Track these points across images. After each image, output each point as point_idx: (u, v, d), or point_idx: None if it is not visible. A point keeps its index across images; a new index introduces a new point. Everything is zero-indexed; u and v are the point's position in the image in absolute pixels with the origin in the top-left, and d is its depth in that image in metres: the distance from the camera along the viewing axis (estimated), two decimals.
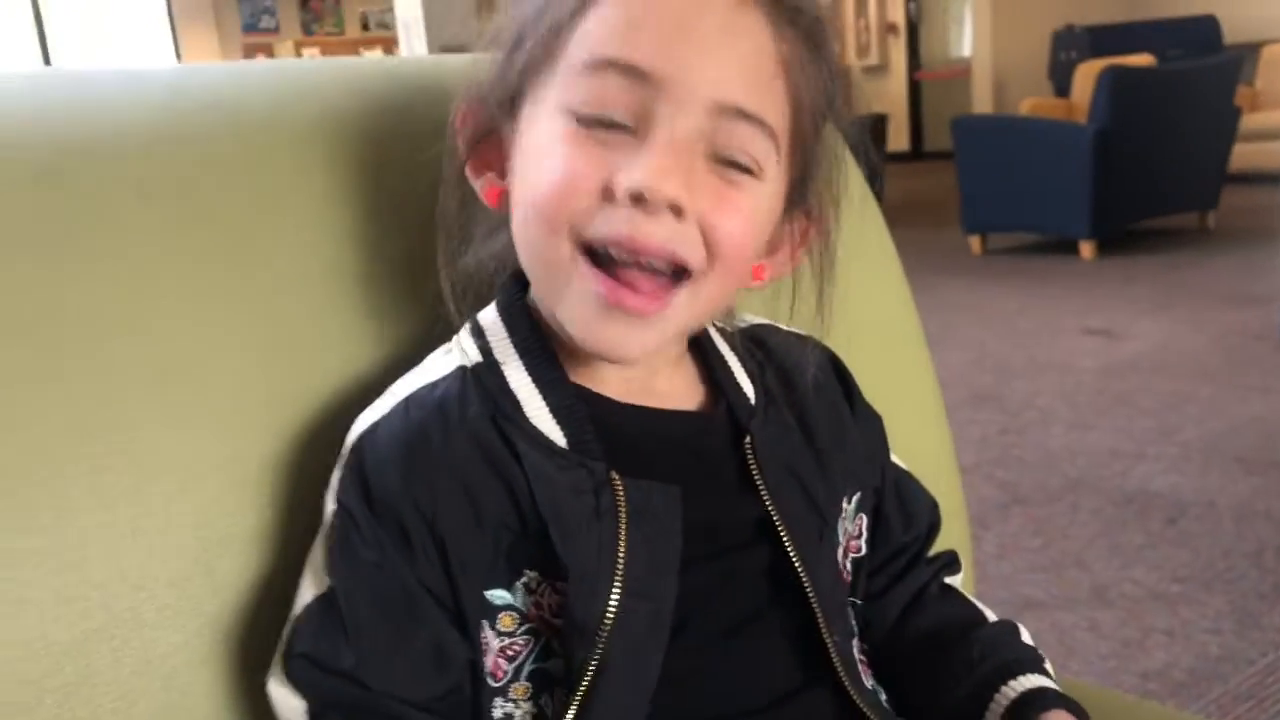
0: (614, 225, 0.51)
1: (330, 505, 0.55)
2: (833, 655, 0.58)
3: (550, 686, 0.55)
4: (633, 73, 0.51)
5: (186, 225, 0.60)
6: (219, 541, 0.57)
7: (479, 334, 0.58)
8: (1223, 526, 2.21)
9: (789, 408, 0.63)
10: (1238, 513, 2.26)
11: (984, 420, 2.94)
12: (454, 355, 0.58)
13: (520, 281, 0.59)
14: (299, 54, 11.14)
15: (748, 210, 0.54)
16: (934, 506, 0.70)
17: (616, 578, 0.52)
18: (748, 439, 0.59)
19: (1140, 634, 1.83)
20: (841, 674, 0.58)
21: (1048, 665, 0.63)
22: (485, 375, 0.56)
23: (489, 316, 0.59)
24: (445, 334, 0.60)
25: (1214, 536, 2.16)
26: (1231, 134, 5.48)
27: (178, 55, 10.38)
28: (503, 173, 0.58)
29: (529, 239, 0.55)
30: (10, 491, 0.52)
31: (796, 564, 0.58)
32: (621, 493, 0.54)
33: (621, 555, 0.53)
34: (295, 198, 0.63)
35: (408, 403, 0.56)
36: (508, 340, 0.57)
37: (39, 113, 0.61)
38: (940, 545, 0.90)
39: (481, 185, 0.59)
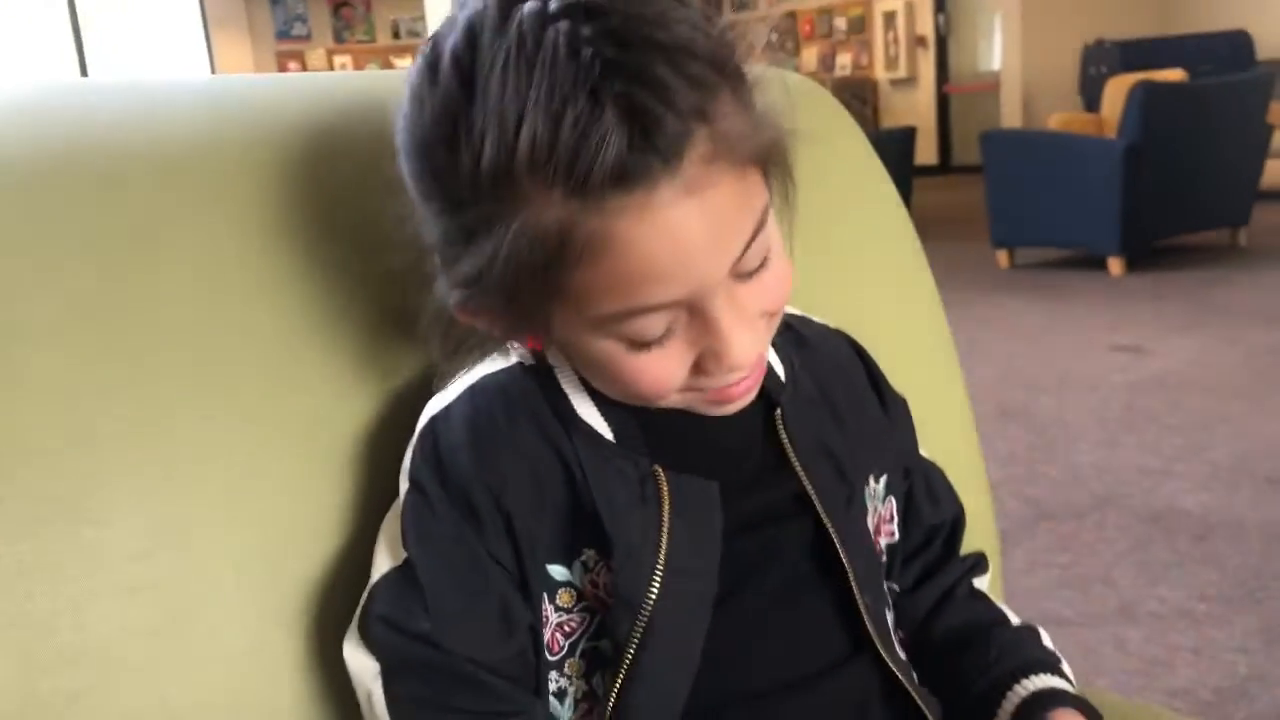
0: (719, 383, 0.55)
1: (404, 484, 0.58)
2: (865, 619, 0.61)
3: (602, 665, 0.58)
4: (662, 307, 0.51)
5: (242, 228, 0.62)
6: (282, 536, 0.60)
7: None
8: (1251, 545, 2.20)
9: (816, 387, 0.65)
10: (1267, 532, 2.25)
11: (1011, 436, 2.94)
12: (512, 354, 0.61)
13: None
14: (330, 62, 11.25)
15: (781, 273, 0.55)
16: (959, 501, 0.73)
17: (660, 556, 0.56)
18: (778, 412, 0.62)
19: (1167, 652, 1.83)
20: (875, 639, 0.61)
21: (1065, 668, 0.65)
22: (541, 373, 0.60)
23: None
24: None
25: (1242, 556, 2.16)
26: (1263, 150, 5.45)
27: (212, 63, 10.50)
28: (532, 330, 0.57)
29: (629, 400, 0.57)
30: (84, 488, 0.55)
31: (831, 530, 0.61)
32: (665, 485, 0.57)
33: (665, 537, 0.56)
34: (352, 196, 0.65)
35: (473, 390, 0.59)
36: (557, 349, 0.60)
37: (93, 123, 0.63)
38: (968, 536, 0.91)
39: (515, 339, 0.59)
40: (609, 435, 0.58)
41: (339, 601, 0.60)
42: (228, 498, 0.59)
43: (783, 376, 0.64)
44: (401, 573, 0.57)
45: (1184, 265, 5.14)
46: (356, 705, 0.59)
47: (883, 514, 0.68)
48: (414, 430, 0.59)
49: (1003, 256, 5.42)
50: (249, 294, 0.62)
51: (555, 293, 0.50)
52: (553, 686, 0.58)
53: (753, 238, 0.51)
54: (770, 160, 0.53)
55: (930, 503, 0.71)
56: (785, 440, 0.62)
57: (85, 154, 0.61)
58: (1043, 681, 0.63)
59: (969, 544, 0.79)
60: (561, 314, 0.52)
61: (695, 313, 0.52)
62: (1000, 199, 5.26)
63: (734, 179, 0.50)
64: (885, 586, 0.67)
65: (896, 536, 0.69)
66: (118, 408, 0.57)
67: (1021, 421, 3.04)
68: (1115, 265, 5.01)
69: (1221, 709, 1.67)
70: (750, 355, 0.54)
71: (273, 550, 0.59)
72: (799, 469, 0.61)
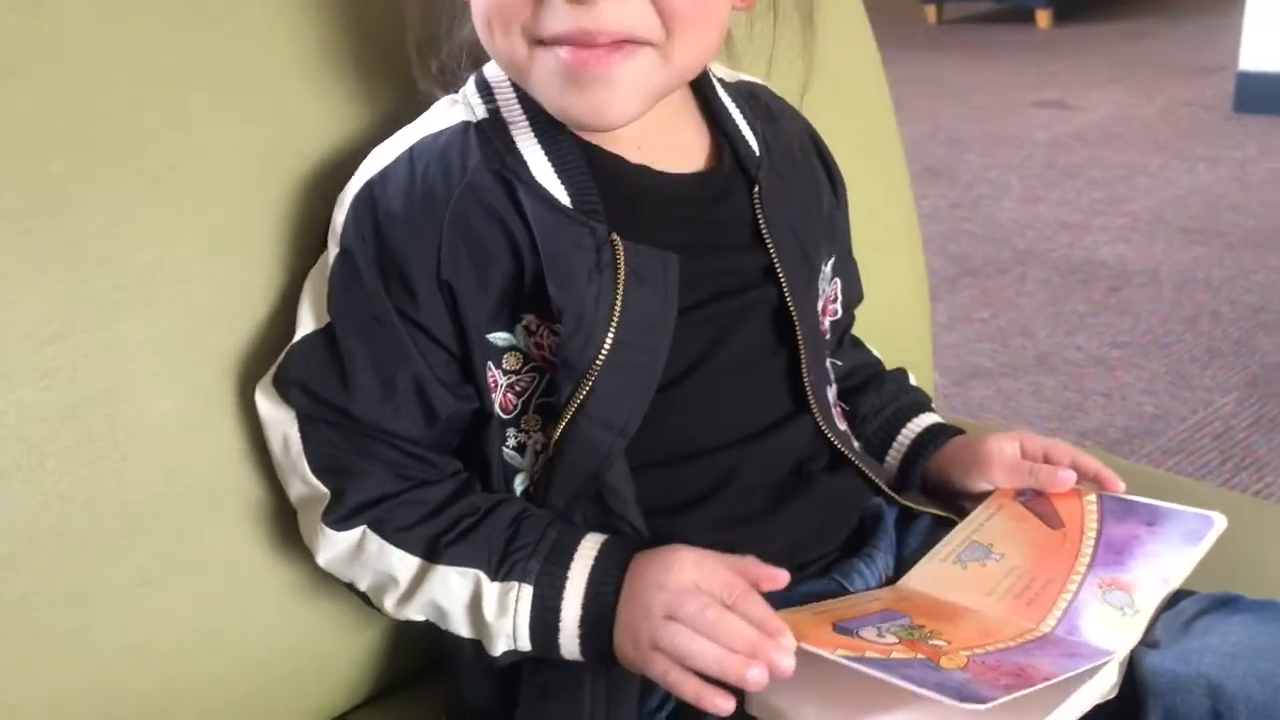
0: (558, 23, 0.52)
1: (333, 249, 0.56)
2: (808, 392, 0.63)
3: (556, 418, 0.57)
4: None
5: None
6: (204, 310, 0.58)
7: (486, 91, 0.58)
8: (1163, 294, 2.28)
9: (787, 163, 0.65)
10: (1178, 280, 2.33)
11: (935, 194, 2.96)
12: (459, 107, 0.58)
13: None
14: None
15: None
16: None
17: (612, 327, 0.55)
18: (756, 189, 0.61)
19: (1080, 397, 1.92)
20: (815, 409, 0.63)
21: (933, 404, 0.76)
22: (491, 132, 0.57)
23: (495, 73, 0.59)
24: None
25: (1155, 304, 2.24)
26: None
27: None
28: None
29: (489, 41, 0.55)
30: None
31: (791, 307, 0.61)
32: (621, 253, 0.55)
33: (618, 308, 0.55)
34: None
35: (412, 152, 0.56)
36: (513, 97, 0.58)
37: None
38: (903, 313, 0.95)
39: None
40: (565, 199, 0.56)
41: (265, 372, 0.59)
42: (144, 273, 0.56)
43: (756, 150, 0.63)
44: (321, 336, 0.56)
45: (1109, 17, 5.07)
46: None
47: (828, 294, 0.69)
48: (341, 185, 0.57)
49: (931, 11, 5.29)
50: (147, 30, 0.57)
51: None
52: (511, 442, 0.58)
53: None
54: None
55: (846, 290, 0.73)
56: (760, 216, 0.61)
57: None
58: (927, 419, 0.73)
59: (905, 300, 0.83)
60: None
61: None
62: None
63: None
64: (828, 363, 0.69)
65: (839, 314, 0.71)
66: (3, 188, 0.53)
67: (946, 180, 3.05)
68: (1043, 18, 4.93)
69: (1129, 445, 1.77)
70: None
71: (198, 325, 0.57)
72: (771, 245, 0.61)
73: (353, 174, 0.58)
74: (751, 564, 0.54)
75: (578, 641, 0.54)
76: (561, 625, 0.54)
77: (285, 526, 0.60)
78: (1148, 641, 0.54)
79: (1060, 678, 0.48)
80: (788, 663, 0.49)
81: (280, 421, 0.57)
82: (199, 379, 0.58)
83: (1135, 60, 4.26)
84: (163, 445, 0.57)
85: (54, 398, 0.54)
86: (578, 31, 0.52)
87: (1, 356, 0.52)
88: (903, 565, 0.63)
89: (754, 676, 0.49)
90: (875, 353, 0.79)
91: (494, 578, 0.55)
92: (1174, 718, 0.51)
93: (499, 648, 0.55)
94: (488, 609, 0.54)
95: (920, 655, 0.49)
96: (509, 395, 0.57)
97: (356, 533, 0.56)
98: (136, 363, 0.56)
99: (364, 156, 0.58)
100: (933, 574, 0.59)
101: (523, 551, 0.55)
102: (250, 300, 0.59)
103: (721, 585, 0.52)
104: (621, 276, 0.55)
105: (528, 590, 0.54)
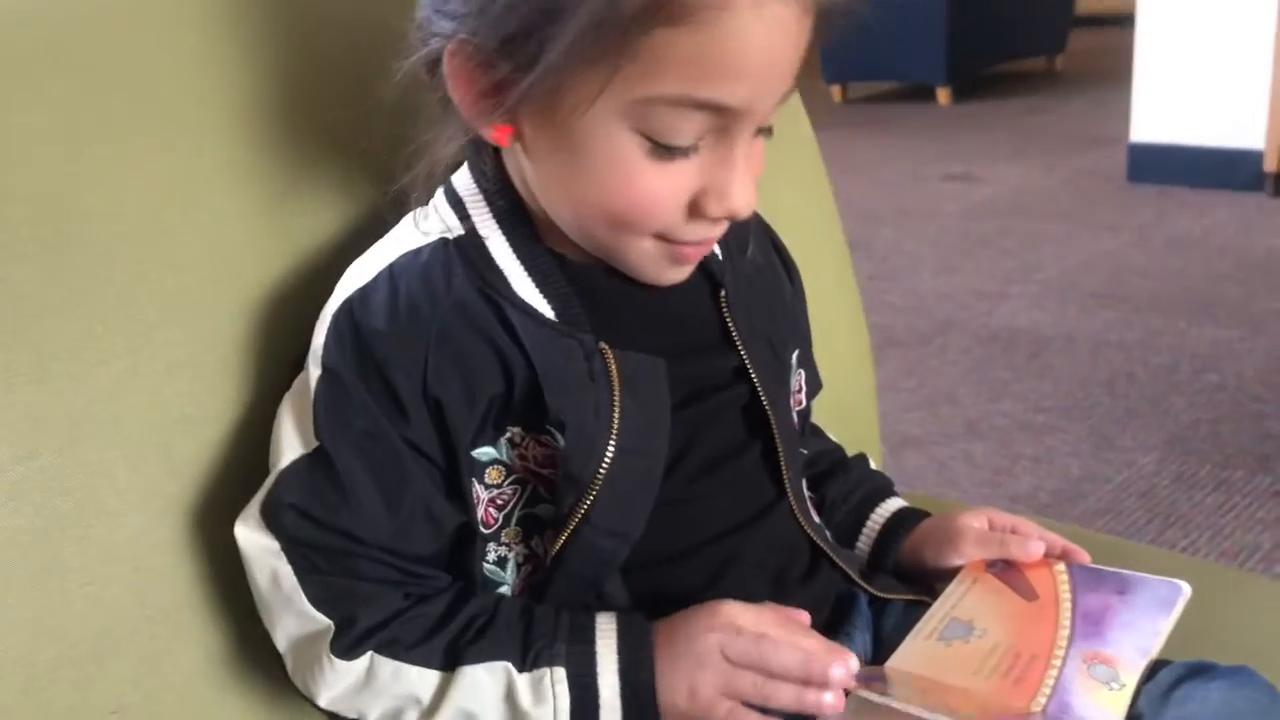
0: (699, 233, 0.55)
1: (315, 370, 0.55)
2: (787, 484, 0.64)
3: (540, 529, 0.57)
4: (722, 111, 0.50)
5: (108, 90, 0.57)
6: (175, 423, 0.56)
7: (457, 203, 0.58)
8: (1080, 357, 2.35)
9: (748, 264, 0.66)
10: (1093, 344, 2.42)
11: (855, 267, 3.03)
12: (433, 222, 0.57)
13: (492, 149, 0.57)
14: None
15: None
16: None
17: (613, 436, 0.55)
18: (723, 293, 0.62)
19: (1009, 461, 1.96)
20: (792, 500, 0.64)
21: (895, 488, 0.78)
22: (469, 248, 0.56)
23: (465, 185, 0.58)
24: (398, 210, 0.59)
25: (1073, 367, 2.31)
26: None
27: None
28: (504, 112, 0.52)
29: (592, 229, 0.55)
30: None
31: (766, 405, 0.62)
32: (613, 362, 0.56)
33: (616, 416, 0.55)
34: (223, 57, 0.61)
35: (392, 270, 0.56)
36: (487, 213, 0.57)
37: None
38: (852, 391, 0.97)
39: (479, 113, 0.53)
40: (549, 313, 0.56)
41: (242, 483, 0.58)
42: (114, 386, 0.55)
43: (719, 253, 0.64)
44: (314, 460, 0.54)
45: (1006, 93, 5.30)
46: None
47: (792, 386, 0.70)
48: (316, 303, 0.56)
49: (836, 91, 5.47)
50: (119, 171, 0.56)
51: (623, 53, 0.47)
52: (491, 556, 0.57)
53: (793, 87, 0.52)
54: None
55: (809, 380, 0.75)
56: (729, 319, 0.62)
57: None
58: (894, 504, 0.75)
59: (858, 391, 0.86)
60: (598, 87, 0.49)
61: (723, 139, 0.52)
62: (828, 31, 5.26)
63: (811, 20, 0.50)
64: (800, 452, 0.70)
65: (804, 404, 0.72)
66: None
67: (863, 253, 3.13)
68: (943, 95, 5.14)
69: (1059, 508, 1.81)
70: (749, 205, 0.54)
71: (168, 437, 0.56)
72: (741, 347, 0.62)
73: (321, 279, 0.58)
74: (773, 608, 0.56)
75: (619, 712, 0.54)
76: (602, 700, 0.53)
77: (257, 649, 0.59)
78: (1132, 715, 0.55)
79: None
80: (852, 666, 0.52)
81: (267, 555, 0.55)
82: (169, 493, 0.56)
83: (1034, 133, 4.45)
84: (133, 564, 0.55)
85: (22, 521, 0.52)
86: (709, 239, 0.56)
87: None
88: (881, 645, 0.64)
89: (838, 676, 0.52)
90: (834, 439, 0.81)
91: (523, 668, 0.54)
92: None
93: None
94: (524, 699, 0.53)
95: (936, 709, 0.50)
96: (490, 510, 0.57)
97: (364, 661, 0.54)
98: (106, 479, 0.54)
99: (332, 262, 0.58)
100: (918, 652, 0.60)
101: (544, 639, 0.54)
102: (220, 409, 0.58)
103: (764, 621, 0.54)
104: (616, 384, 0.55)
105: (560, 672, 0.53)
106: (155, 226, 0.57)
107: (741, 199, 0.53)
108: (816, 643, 0.54)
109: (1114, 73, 4.61)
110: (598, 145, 0.51)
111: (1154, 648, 0.58)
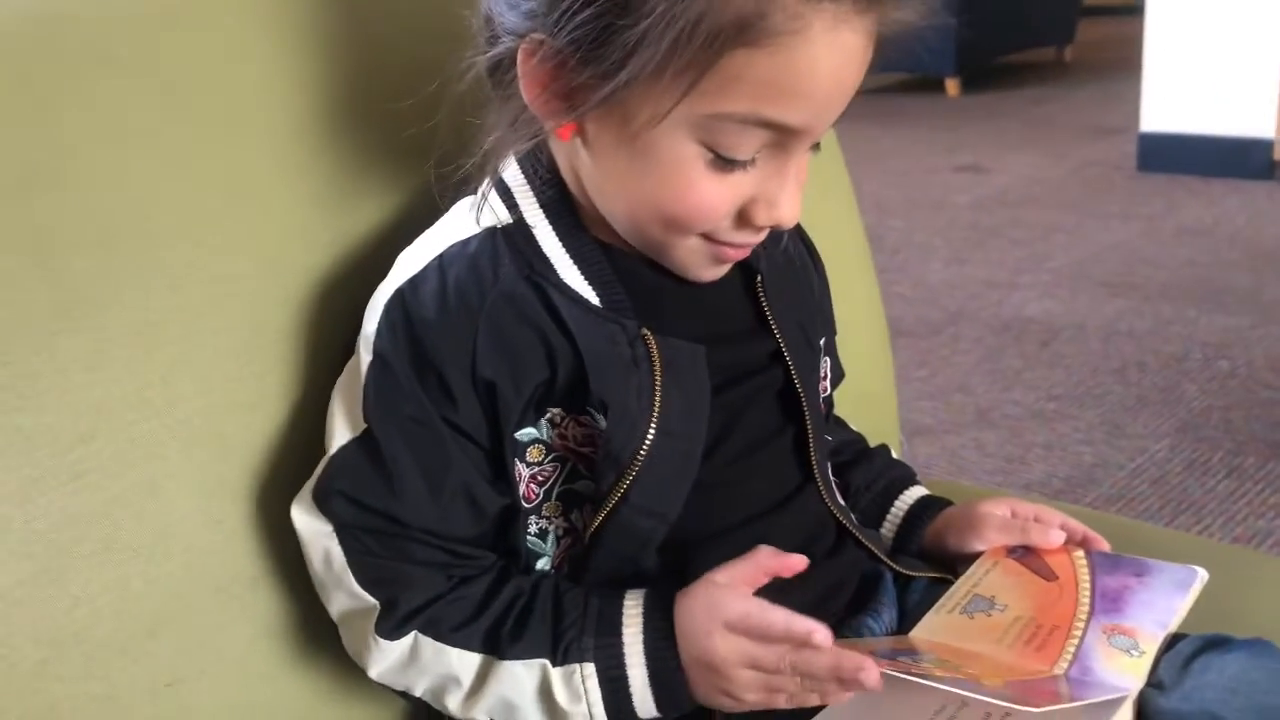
0: (744, 238, 0.57)
1: (366, 355, 0.57)
2: (815, 467, 0.66)
3: (580, 503, 0.59)
4: (785, 129, 0.52)
5: (156, 88, 0.59)
6: (226, 407, 0.58)
7: (506, 193, 0.60)
8: (1091, 346, 2.37)
9: (780, 253, 0.68)
10: (1104, 333, 2.43)
11: None
12: (482, 211, 0.59)
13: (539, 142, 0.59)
14: None
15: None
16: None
17: (654, 419, 0.57)
18: (759, 278, 0.64)
19: (1021, 450, 1.98)
20: (820, 483, 0.66)
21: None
22: (517, 236, 0.58)
23: (514, 177, 0.60)
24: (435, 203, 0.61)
25: (1084, 356, 2.32)
26: None
27: None
28: (571, 104, 0.54)
29: (643, 226, 0.57)
30: (8, 379, 0.52)
31: (800, 390, 0.64)
32: (655, 347, 0.57)
33: (658, 400, 0.57)
34: (267, 51, 0.62)
35: (442, 260, 0.57)
36: (535, 202, 0.59)
37: None
38: (872, 382, 0.99)
39: (547, 110, 0.54)
40: (594, 299, 0.58)
41: (290, 466, 0.60)
42: (167, 372, 0.57)
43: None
44: (361, 445, 0.57)
45: (1015, 84, 5.30)
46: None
47: (819, 373, 0.72)
48: (365, 292, 0.58)
49: None
50: (167, 160, 0.58)
51: (701, 69, 0.49)
52: (532, 529, 0.60)
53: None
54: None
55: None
56: (766, 306, 0.64)
57: None
58: (917, 492, 0.76)
59: (878, 381, 0.90)
60: (674, 98, 0.50)
61: (779, 154, 0.53)
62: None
63: (873, 46, 0.52)
64: (826, 437, 0.72)
65: (828, 391, 0.74)
66: (32, 291, 0.53)
67: (874, 245, 3.10)
68: (952, 86, 5.14)
69: (1071, 495, 1.82)
70: (795, 217, 0.56)
71: (219, 421, 0.58)
72: (778, 332, 0.64)
73: (369, 268, 0.60)
74: (768, 555, 0.57)
75: (652, 701, 0.55)
76: (633, 691, 0.55)
77: (311, 624, 0.61)
78: (1151, 683, 0.57)
79: (1094, 700, 0.51)
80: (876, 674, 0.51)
81: (320, 536, 0.57)
82: (220, 475, 0.58)
83: (1043, 124, 4.45)
84: (186, 544, 0.57)
85: (82, 501, 0.54)
86: (752, 243, 0.58)
87: (32, 461, 0.52)
88: (906, 619, 0.66)
89: (870, 679, 0.50)
90: (855, 430, 0.82)
91: (556, 663, 0.56)
92: None
93: None
94: (559, 695, 0.55)
95: (961, 677, 0.52)
96: (531, 486, 0.59)
97: (409, 639, 0.57)
98: (160, 461, 0.56)
99: (379, 252, 0.60)
100: (942, 624, 0.62)
101: (573, 630, 0.56)
102: (270, 394, 0.60)
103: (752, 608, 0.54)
104: (658, 369, 0.57)
105: (590, 668, 0.55)
106: (203, 218, 0.59)
107: (789, 211, 0.56)
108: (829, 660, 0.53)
109: (1123, 63, 4.61)
110: (662, 153, 0.53)
111: (1172, 624, 0.60)
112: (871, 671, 0.50)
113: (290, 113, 0.63)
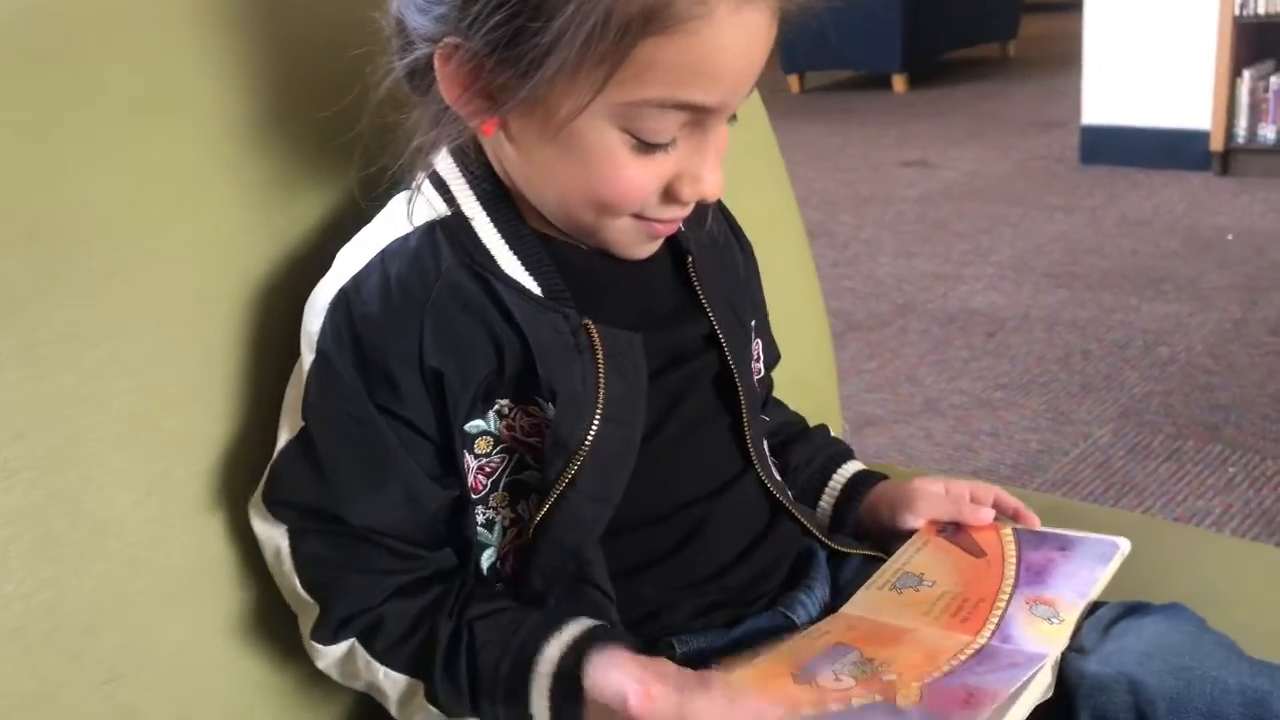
0: (672, 213, 0.58)
1: (309, 354, 0.57)
2: (750, 448, 0.67)
3: (527, 494, 0.60)
4: (700, 109, 0.54)
5: (87, 88, 0.59)
6: (162, 403, 0.59)
7: (441, 186, 0.60)
8: (1035, 336, 2.41)
9: (707, 234, 0.69)
10: (1048, 322, 2.47)
11: (816, 254, 3.03)
12: (420, 206, 0.59)
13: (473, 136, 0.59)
14: None
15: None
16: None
17: (599, 406, 0.58)
18: (690, 260, 0.66)
19: (969, 438, 2.01)
20: (756, 463, 0.68)
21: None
22: (456, 229, 0.59)
23: (449, 170, 0.60)
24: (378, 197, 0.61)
25: (1029, 345, 2.37)
26: None
27: None
28: (493, 102, 0.54)
29: (574, 212, 0.58)
30: None
31: (734, 370, 0.66)
32: (596, 337, 0.59)
33: (602, 387, 0.58)
34: (198, 50, 0.63)
35: (384, 256, 0.58)
36: (471, 194, 0.60)
37: None
38: (813, 369, 1.00)
39: (468, 111, 0.55)
40: (535, 289, 0.59)
41: (231, 461, 0.60)
42: (100, 368, 0.57)
43: (682, 225, 0.66)
44: (299, 444, 0.57)
45: (960, 80, 5.38)
46: (257, 569, 0.60)
47: (751, 354, 0.73)
48: (302, 288, 0.58)
49: (794, 82, 5.52)
50: (91, 162, 0.58)
51: (615, 61, 0.50)
52: (480, 519, 0.60)
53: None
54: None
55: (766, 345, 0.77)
56: (698, 286, 0.66)
57: None
58: (853, 467, 0.78)
59: (819, 368, 0.90)
60: (592, 92, 0.51)
61: (697, 131, 0.55)
62: (788, 26, 5.31)
63: (777, 21, 0.54)
64: (761, 417, 0.73)
65: (763, 373, 0.76)
66: None
67: (825, 240, 3.18)
68: (899, 83, 5.20)
69: (1019, 481, 1.86)
70: (719, 189, 0.57)
71: (156, 417, 0.58)
72: (711, 313, 0.66)
73: (307, 266, 0.60)
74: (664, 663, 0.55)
75: None
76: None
77: (253, 619, 0.61)
78: (1073, 648, 0.59)
79: (1006, 694, 0.52)
80: None
81: (272, 537, 0.59)
82: (158, 470, 0.58)
83: (988, 118, 4.52)
84: (125, 540, 0.57)
85: (16, 499, 0.54)
86: (680, 218, 0.59)
87: None
88: (839, 595, 0.68)
89: None
90: (795, 411, 0.84)
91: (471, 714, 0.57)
92: (1101, 715, 0.56)
93: None
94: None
95: (878, 697, 0.53)
96: (479, 477, 0.59)
97: (345, 645, 0.59)
98: (96, 458, 0.56)
99: (317, 249, 0.60)
100: (872, 600, 0.63)
101: (485, 696, 0.56)
102: (206, 389, 0.60)
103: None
104: (601, 358, 0.58)
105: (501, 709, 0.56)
106: (133, 217, 0.59)
107: (712, 185, 0.57)
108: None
109: (1065, 58, 4.69)
110: (586, 143, 0.54)
111: (1091, 593, 0.62)
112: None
113: (228, 115, 0.63)
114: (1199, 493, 1.78)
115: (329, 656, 0.59)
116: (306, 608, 0.59)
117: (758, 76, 0.55)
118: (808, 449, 0.79)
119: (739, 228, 0.76)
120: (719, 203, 0.74)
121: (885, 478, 0.77)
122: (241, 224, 0.63)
